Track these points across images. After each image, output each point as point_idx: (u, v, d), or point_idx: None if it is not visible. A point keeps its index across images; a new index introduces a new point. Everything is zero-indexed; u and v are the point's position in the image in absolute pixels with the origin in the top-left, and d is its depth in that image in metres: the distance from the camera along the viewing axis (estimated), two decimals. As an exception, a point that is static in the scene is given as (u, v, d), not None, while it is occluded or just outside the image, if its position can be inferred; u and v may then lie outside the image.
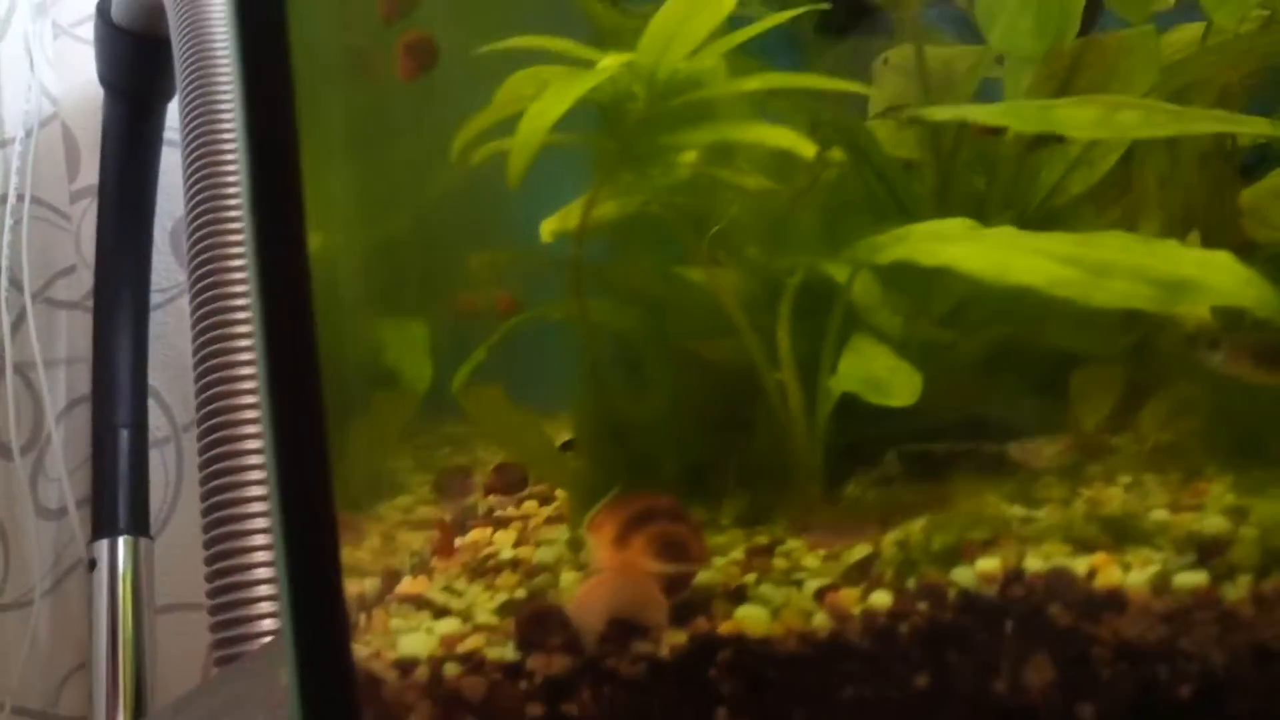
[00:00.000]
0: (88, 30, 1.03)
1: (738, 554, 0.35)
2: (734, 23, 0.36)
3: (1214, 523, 0.30)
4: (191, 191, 0.82)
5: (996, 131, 0.43)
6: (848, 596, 0.30)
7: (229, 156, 0.84)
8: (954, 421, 0.38)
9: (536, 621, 0.32)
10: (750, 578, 0.33)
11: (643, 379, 0.41)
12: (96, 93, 1.03)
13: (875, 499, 0.35)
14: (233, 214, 0.83)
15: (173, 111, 1.00)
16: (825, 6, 0.36)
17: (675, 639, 0.30)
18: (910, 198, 0.44)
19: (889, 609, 0.29)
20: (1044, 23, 0.37)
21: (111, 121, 1.00)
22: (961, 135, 0.42)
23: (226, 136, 0.85)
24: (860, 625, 0.29)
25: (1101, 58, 0.39)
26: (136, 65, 0.96)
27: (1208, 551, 0.28)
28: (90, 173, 1.06)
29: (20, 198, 1.06)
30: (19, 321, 1.06)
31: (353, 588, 0.34)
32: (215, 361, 0.82)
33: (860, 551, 0.32)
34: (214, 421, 0.81)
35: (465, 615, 0.35)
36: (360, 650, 0.33)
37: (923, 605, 0.29)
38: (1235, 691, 0.27)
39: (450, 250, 0.45)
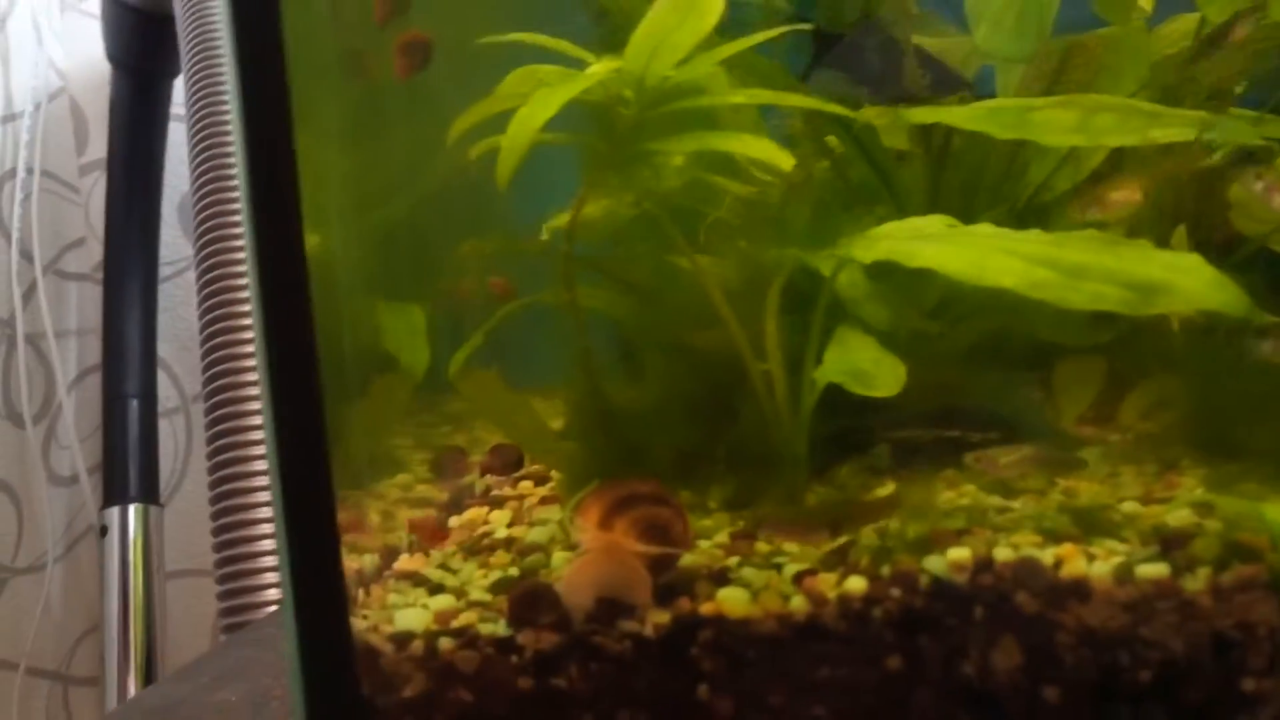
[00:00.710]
0: (95, 5, 1.03)
1: (722, 537, 0.36)
2: (738, 18, 0.37)
3: (1180, 515, 0.31)
4: (197, 169, 0.83)
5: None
6: (824, 581, 0.31)
7: (231, 134, 0.85)
8: (938, 413, 0.39)
9: (528, 599, 0.33)
10: (733, 561, 0.34)
11: (634, 366, 0.42)
12: (104, 67, 1.03)
13: (855, 488, 0.36)
14: (237, 191, 0.84)
15: (179, 87, 1.01)
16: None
17: (659, 618, 0.31)
18: (902, 189, 0.44)
19: (863, 594, 0.30)
20: (1024, 24, 0.37)
21: (119, 97, 1.01)
22: (951, 129, 0.43)
23: (230, 114, 0.85)
24: (836, 609, 0.30)
25: (1090, 56, 0.39)
26: (143, 42, 0.96)
27: (1170, 544, 0.29)
28: (99, 146, 1.07)
29: (30, 171, 1.07)
30: (30, 293, 1.08)
31: (351, 564, 0.35)
32: (221, 339, 0.83)
33: (838, 539, 0.33)
34: (220, 397, 0.83)
35: (459, 592, 0.36)
36: (359, 623, 0.35)
37: (896, 591, 0.30)
38: (1193, 678, 0.28)
39: (446, 238, 0.46)
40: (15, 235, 1.07)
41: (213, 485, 0.83)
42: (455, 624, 0.34)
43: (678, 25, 0.31)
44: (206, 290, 0.83)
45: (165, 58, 0.94)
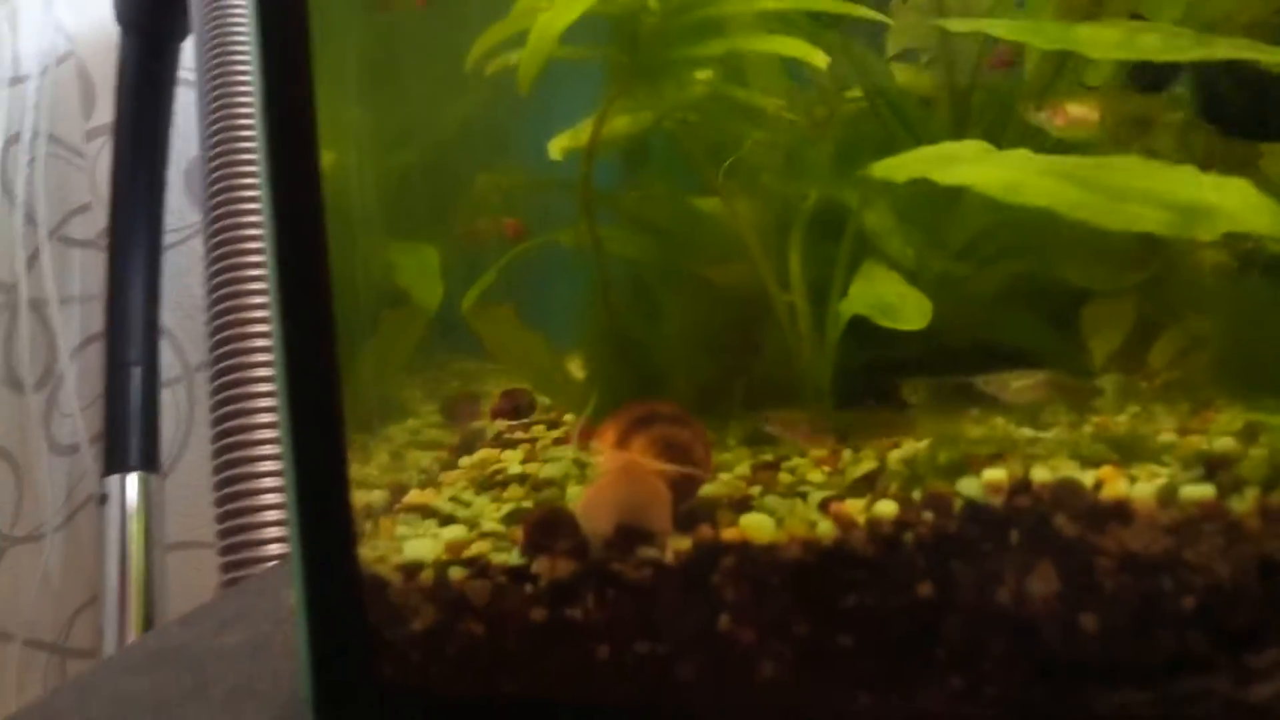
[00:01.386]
0: (105, -33, 1.03)
1: (743, 470, 0.35)
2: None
3: (1222, 443, 0.30)
4: (209, 131, 0.82)
5: (1011, 64, 0.43)
6: (852, 506, 0.30)
7: (245, 97, 0.84)
8: (963, 349, 0.38)
9: (544, 524, 0.32)
10: (755, 490, 0.33)
11: (653, 302, 0.41)
12: (112, 31, 1.02)
13: (880, 418, 0.35)
14: (249, 155, 0.83)
15: (187, 52, 1.00)
16: None
17: (679, 544, 0.30)
18: (927, 134, 0.43)
19: (894, 518, 0.29)
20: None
21: (127, 60, 1.00)
22: (977, 73, 0.42)
23: (243, 76, 0.84)
24: (865, 534, 0.29)
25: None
26: (153, 2, 0.95)
27: (1215, 466, 0.28)
28: (106, 111, 1.06)
29: (36, 135, 1.06)
30: (34, 258, 1.07)
31: (359, 498, 0.34)
32: (229, 304, 0.82)
33: (865, 466, 0.32)
34: (226, 363, 0.82)
35: (471, 523, 0.35)
36: (366, 554, 0.34)
37: (928, 515, 0.29)
38: (1239, 603, 0.27)
39: (462, 176, 0.45)
40: (20, 200, 1.06)
41: (216, 454, 0.82)
42: (466, 554, 0.33)
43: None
44: (215, 254, 0.82)
45: (175, 19, 0.94)
